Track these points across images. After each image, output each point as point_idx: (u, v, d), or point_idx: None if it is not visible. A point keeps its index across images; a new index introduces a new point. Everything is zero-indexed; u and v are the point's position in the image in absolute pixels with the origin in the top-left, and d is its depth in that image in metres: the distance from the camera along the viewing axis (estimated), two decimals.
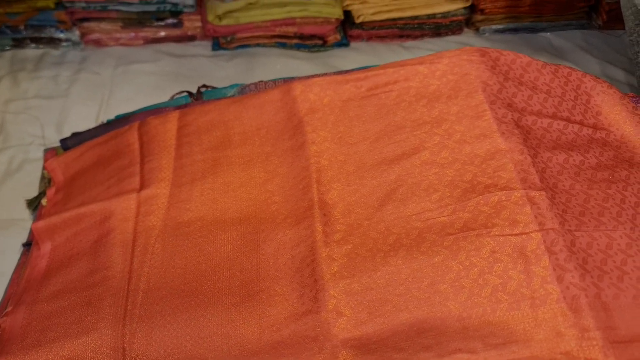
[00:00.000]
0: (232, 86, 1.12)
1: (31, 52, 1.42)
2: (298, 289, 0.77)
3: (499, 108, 0.89)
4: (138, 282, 0.80)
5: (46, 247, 0.90)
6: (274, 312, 0.75)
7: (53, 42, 1.42)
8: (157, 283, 0.80)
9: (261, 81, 1.09)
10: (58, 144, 1.13)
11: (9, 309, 0.83)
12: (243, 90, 1.09)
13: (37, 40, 1.41)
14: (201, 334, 0.74)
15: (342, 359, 0.69)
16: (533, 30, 1.49)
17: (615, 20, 1.45)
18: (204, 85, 1.16)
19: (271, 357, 0.71)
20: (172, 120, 1.01)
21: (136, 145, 0.98)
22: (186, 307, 0.76)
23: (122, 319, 0.76)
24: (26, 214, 1.04)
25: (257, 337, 0.73)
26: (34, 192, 1.07)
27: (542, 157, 0.84)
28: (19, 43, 1.41)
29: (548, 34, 1.50)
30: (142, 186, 0.91)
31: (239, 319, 0.75)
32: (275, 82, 1.08)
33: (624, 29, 1.16)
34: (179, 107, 1.09)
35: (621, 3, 1.12)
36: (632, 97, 1.01)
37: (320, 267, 0.77)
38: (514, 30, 1.49)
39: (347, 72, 1.04)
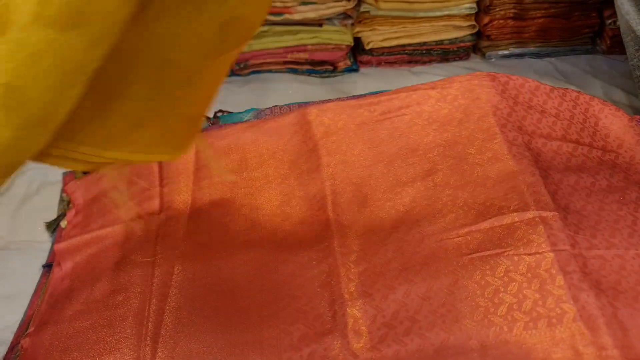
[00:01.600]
0: (247, 111, 1.14)
1: None
2: (316, 309, 0.77)
3: (510, 131, 0.91)
4: (159, 303, 0.81)
5: (68, 268, 0.91)
6: (293, 332, 0.76)
7: None
8: (178, 304, 0.81)
9: (276, 106, 1.11)
10: None
11: (31, 329, 0.84)
12: (259, 115, 1.11)
13: None
14: (222, 354, 0.75)
15: None
16: (538, 55, 1.52)
17: (619, 45, 1.46)
18: (220, 110, 1.18)
19: None
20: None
21: (155, 168, 1.00)
22: (206, 329, 0.77)
23: (143, 340, 0.77)
24: (45, 236, 1.06)
25: (277, 357, 0.74)
26: (52, 215, 1.09)
27: (553, 178, 0.86)
28: None
29: (553, 59, 1.53)
30: (162, 208, 0.93)
31: (258, 339, 0.76)
32: (289, 107, 1.10)
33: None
34: None
35: (621, 30, 1.15)
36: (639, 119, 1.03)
37: (338, 287, 0.78)
38: (520, 56, 1.51)
39: (360, 96, 1.06)
